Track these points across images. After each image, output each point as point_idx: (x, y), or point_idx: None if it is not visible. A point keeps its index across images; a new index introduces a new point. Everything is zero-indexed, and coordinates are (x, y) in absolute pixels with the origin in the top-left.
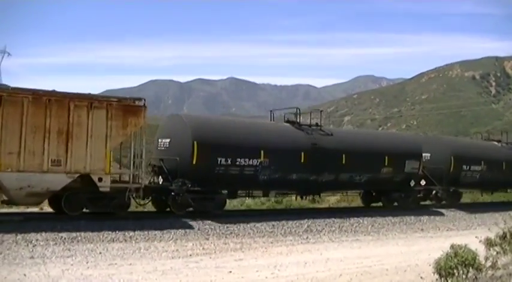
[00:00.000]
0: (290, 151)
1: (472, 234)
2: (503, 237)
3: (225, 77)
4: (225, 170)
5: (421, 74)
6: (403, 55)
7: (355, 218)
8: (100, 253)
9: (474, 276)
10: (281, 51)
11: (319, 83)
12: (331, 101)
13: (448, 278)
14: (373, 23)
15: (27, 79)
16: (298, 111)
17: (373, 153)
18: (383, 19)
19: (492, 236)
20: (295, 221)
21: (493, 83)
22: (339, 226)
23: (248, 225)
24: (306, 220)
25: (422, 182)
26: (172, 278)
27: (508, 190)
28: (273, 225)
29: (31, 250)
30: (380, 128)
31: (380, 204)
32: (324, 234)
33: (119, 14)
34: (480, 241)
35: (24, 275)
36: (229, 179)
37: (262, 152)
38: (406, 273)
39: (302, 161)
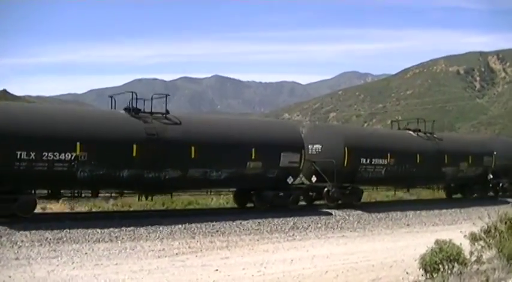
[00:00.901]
0: (117, 143)
1: (458, 229)
2: (488, 231)
3: (210, 75)
4: (29, 166)
5: (406, 70)
6: (388, 51)
7: (341, 215)
8: (86, 253)
9: (459, 271)
10: (265, 48)
11: (304, 79)
12: (317, 98)
13: (433, 273)
14: (357, 19)
15: (11, 80)
16: (133, 96)
17: (235, 145)
18: (367, 15)
19: (477, 230)
20: (281, 219)
21: (478, 78)
22: (325, 223)
23: (234, 223)
24: (292, 217)
25: (313, 179)
26: (159, 277)
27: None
28: (259, 222)
29: (16, 251)
30: (365, 124)
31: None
32: (310, 231)
33: (104, 13)
34: (465, 236)
35: (10, 276)
36: (35, 176)
37: (78, 144)
38: (392, 268)
39: (134, 154)
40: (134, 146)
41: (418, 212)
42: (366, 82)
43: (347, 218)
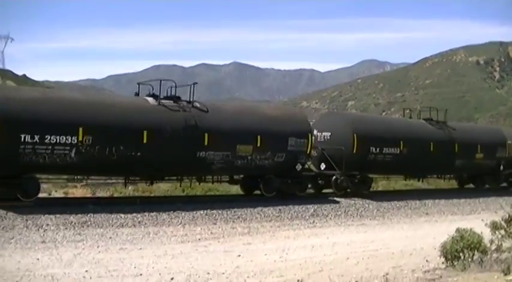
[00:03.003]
0: None
1: (477, 219)
2: (509, 220)
3: (228, 62)
4: None
5: (425, 59)
6: (407, 40)
7: (361, 203)
8: (110, 238)
9: (479, 259)
10: (285, 36)
11: (323, 67)
12: (335, 86)
13: (454, 261)
14: (376, 8)
15: (31, 65)
16: None
17: None
18: (386, 4)
19: (497, 219)
20: (301, 206)
21: (497, 68)
22: (345, 210)
23: (255, 210)
24: (312, 205)
25: None
26: (182, 261)
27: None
28: (280, 209)
29: (42, 235)
30: (384, 113)
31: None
32: (330, 218)
33: None
34: (486, 224)
35: (37, 259)
36: None
37: None
38: (412, 256)
39: None
40: None
41: (436, 201)
42: (385, 71)
43: (366, 206)
